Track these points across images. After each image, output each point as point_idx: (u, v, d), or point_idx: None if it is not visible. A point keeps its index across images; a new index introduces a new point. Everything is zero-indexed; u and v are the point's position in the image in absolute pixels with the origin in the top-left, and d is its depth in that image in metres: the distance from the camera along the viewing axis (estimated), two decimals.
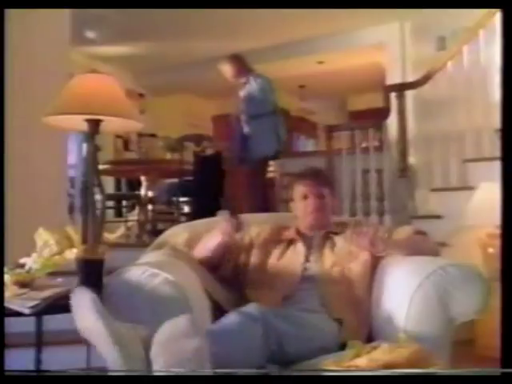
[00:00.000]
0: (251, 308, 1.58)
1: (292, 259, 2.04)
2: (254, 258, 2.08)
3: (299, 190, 2.13)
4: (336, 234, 2.09)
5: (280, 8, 4.72)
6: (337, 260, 1.99)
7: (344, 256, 2.00)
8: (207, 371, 1.29)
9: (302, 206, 2.12)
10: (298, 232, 2.13)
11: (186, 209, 5.51)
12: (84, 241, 1.77)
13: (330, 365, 1.33)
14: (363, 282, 1.94)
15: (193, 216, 4.41)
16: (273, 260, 2.06)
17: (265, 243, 2.10)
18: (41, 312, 1.56)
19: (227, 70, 4.54)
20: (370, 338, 1.77)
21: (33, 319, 1.94)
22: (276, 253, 2.08)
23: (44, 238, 1.73)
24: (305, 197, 2.10)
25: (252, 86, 4.41)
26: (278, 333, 1.54)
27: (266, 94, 4.42)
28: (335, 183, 2.32)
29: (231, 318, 1.56)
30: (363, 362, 1.30)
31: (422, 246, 1.95)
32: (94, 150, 1.86)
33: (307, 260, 2.02)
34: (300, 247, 2.07)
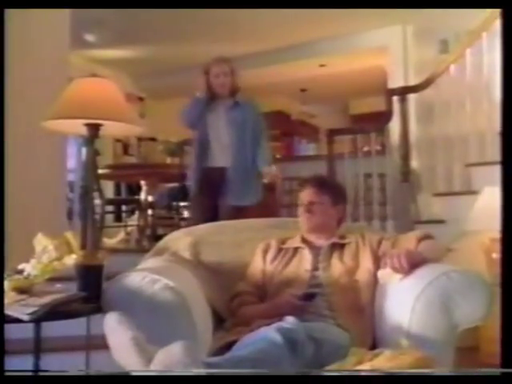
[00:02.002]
0: (273, 333, 1.48)
1: (298, 267, 2.06)
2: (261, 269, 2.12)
3: (300, 196, 2.19)
4: (343, 244, 2.11)
5: (281, 8, 4.72)
6: (345, 269, 2.01)
7: (352, 265, 2.03)
8: (206, 371, 1.29)
9: (300, 212, 2.17)
10: (304, 240, 2.16)
11: (187, 213, 5.51)
12: (83, 246, 1.77)
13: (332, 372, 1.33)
14: (368, 291, 1.96)
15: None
16: (278, 269, 2.07)
17: (271, 254, 2.14)
18: (40, 318, 1.55)
19: (223, 71, 3.55)
20: (373, 345, 1.77)
21: (31, 325, 1.94)
22: (282, 262, 2.10)
23: (43, 243, 1.73)
24: (302, 203, 2.16)
25: (247, 109, 3.53)
26: (304, 353, 1.50)
27: (261, 125, 3.58)
28: (341, 191, 2.33)
29: (256, 346, 1.46)
30: (365, 369, 1.30)
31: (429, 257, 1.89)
32: (94, 154, 1.87)
33: (315, 268, 2.03)
34: (306, 255, 2.09)
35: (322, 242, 2.13)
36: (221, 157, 3.48)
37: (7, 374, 1.42)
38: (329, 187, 2.23)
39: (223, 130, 3.50)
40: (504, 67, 1.69)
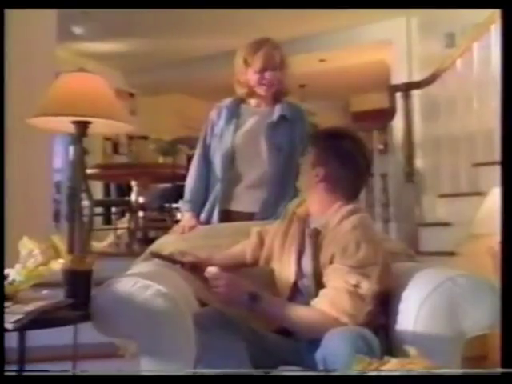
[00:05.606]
0: None
1: (288, 248, 1.87)
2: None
3: None
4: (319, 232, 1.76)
5: (280, 8, 4.74)
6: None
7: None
8: (205, 371, 1.29)
9: None
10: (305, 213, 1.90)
11: (179, 216, 5.50)
12: (70, 250, 1.77)
13: None
14: None
15: None
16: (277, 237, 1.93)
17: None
18: (24, 327, 1.54)
19: (273, 63, 2.44)
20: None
21: (15, 334, 1.93)
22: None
23: (28, 247, 1.72)
24: None
25: (296, 124, 2.42)
26: None
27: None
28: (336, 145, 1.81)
29: None
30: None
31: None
32: (82, 153, 1.87)
33: (299, 256, 1.82)
34: (295, 233, 1.88)
35: (313, 220, 1.83)
36: (253, 197, 2.39)
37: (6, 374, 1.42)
38: (319, 139, 1.86)
39: (260, 156, 2.39)
40: (504, 68, 1.70)
